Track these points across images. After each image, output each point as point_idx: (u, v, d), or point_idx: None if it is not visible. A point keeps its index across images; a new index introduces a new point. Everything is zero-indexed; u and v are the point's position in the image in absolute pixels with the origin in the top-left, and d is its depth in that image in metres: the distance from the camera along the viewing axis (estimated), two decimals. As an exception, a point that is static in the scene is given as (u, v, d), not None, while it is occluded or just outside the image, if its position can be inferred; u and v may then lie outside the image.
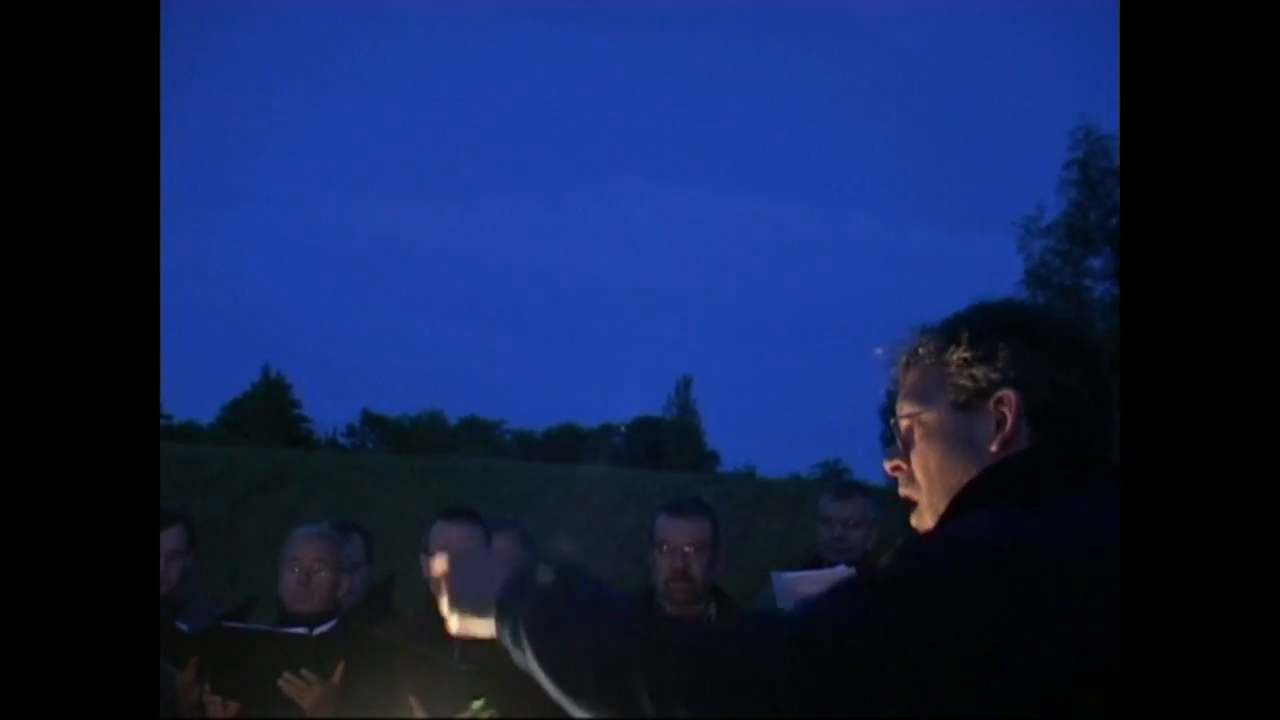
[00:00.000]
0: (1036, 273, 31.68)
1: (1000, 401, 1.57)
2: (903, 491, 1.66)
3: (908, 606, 1.31)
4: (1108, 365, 1.62)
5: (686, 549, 3.73)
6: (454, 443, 47.53)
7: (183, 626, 3.69)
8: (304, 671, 3.55)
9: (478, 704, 3.32)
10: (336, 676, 3.57)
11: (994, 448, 1.56)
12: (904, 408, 1.64)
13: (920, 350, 1.65)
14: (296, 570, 3.95)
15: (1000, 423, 1.56)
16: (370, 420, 57.52)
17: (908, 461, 1.64)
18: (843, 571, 3.44)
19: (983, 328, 1.60)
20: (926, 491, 1.61)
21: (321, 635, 3.64)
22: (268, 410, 51.71)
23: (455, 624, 1.58)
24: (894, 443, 1.67)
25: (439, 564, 1.61)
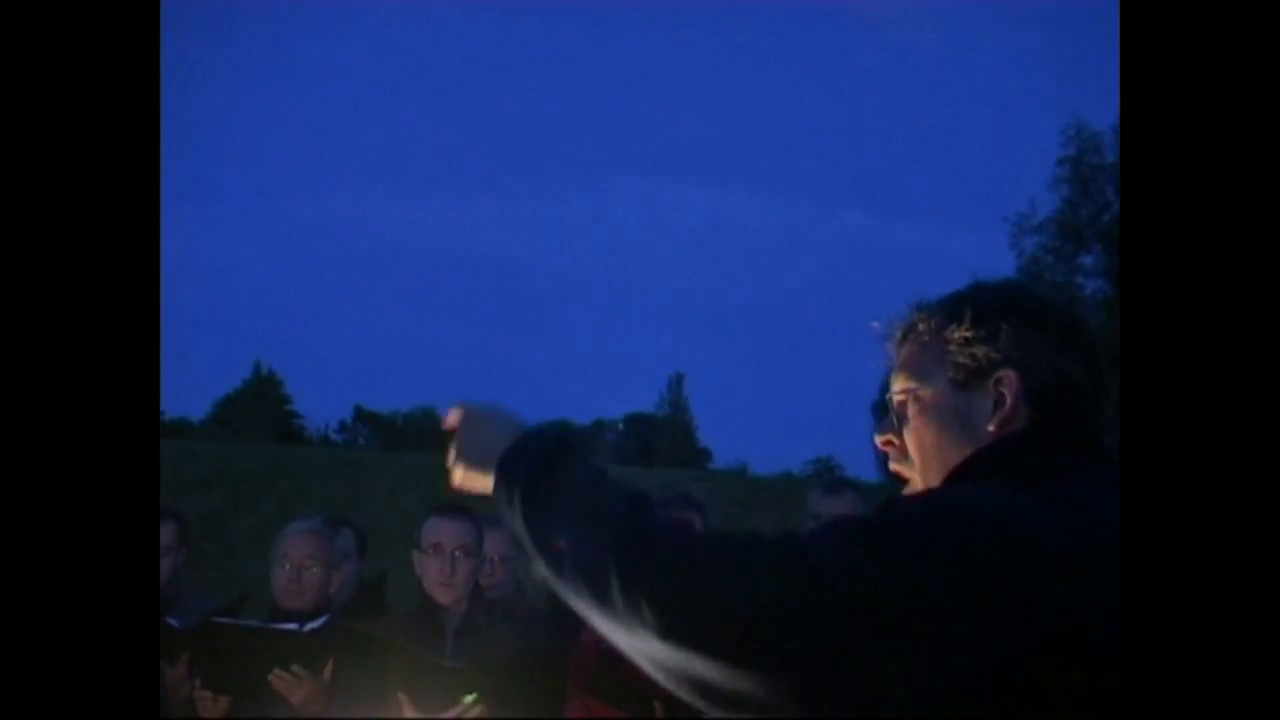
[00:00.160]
0: (1029, 269, 31.76)
1: (1000, 381, 1.56)
2: (893, 467, 1.65)
3: (883, 554, 1.32)
4: (1103, 356, 1.62)
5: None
6: (446, 439, 47.34)
7: (173, 622, 3.68)
8: (294, 667, 3.55)
9: (469, 698, 3.33)
10: (326, 673, 3.57)
11: (992, 427, 1.55)
12: (899, 382, 1.63)
13: (920, 326, 1.63)
14: (288, 566, 3.95)
15: (999, 402, 1.55)
16: (362, 416, 57.47)
17: (900, 437, 1.63)
18: None
19: (986, 307, 1.59)
20: (920, 468, 1.60)
21: (312, 631, 3.63)
22: (259, 406, 51.67)
23: (458, 476, 1.61)
24: (887, 416, 1.65)
25: (453, 416, 1.63)
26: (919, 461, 1.60)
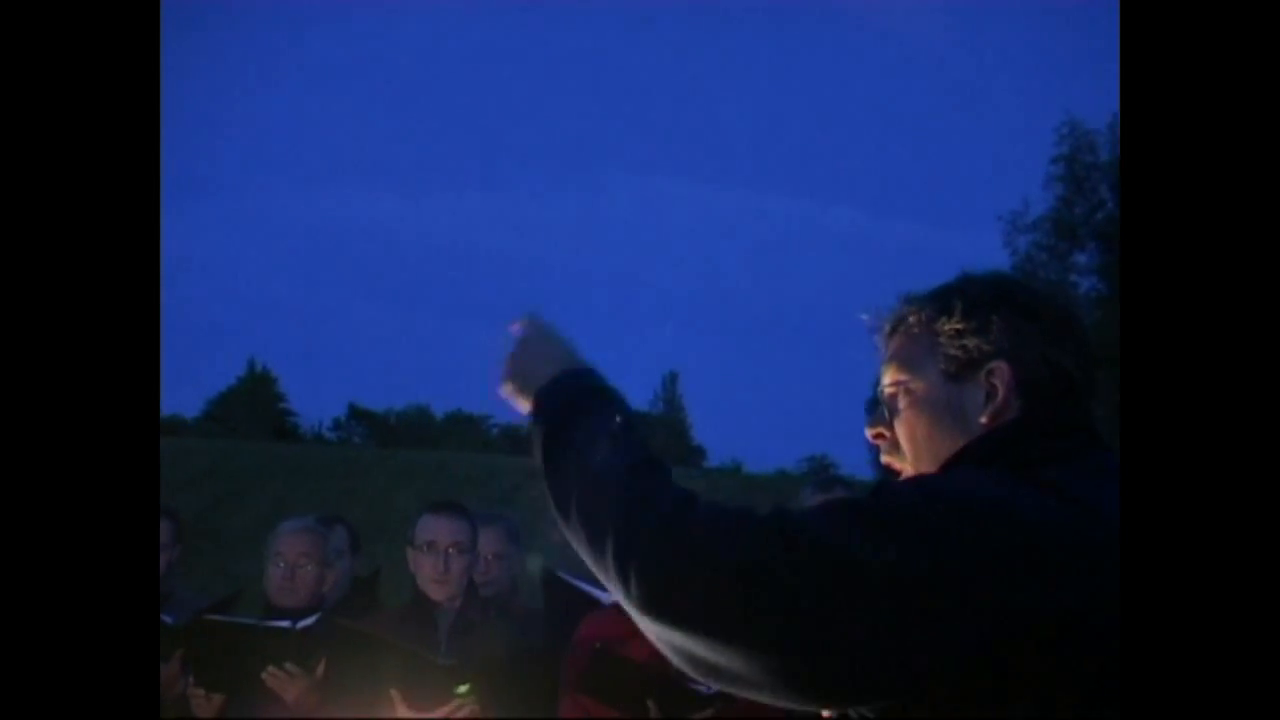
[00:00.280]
0: (1023, 268, 31.73)
1: (992, 373, 1.56)
2: (885, 459, 1.65)
3: (871, 532, 1.34)
4: (1094, 350, 1.62)
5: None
6: (440, 436, 47.44)
7: (167, 619, 3.68)
8: (287, 665, 3.56)
9: (463, 689, 3.33)
10: (319, 670, 3.57)
11: (984, 419, 1.55)
12: (890, 375, 1.63)
13: (910, 318, 1.63)
14: (281, 565, 3.96)
15: (991, 394, 1.55)
16: (356, 414, 57.35)
17: (891, 429, 1.63)
18: None
19: (977, 298, 1.59)
20: (912, 460, 1.60)
21: (305, 629, 3.64)
22: (253, 404, 51.58)
23: (505, 389, 1.65)
24: (878, 409, 1.65)
25: (517, 326, 1.66)
26: (911, 453, 1.60)
